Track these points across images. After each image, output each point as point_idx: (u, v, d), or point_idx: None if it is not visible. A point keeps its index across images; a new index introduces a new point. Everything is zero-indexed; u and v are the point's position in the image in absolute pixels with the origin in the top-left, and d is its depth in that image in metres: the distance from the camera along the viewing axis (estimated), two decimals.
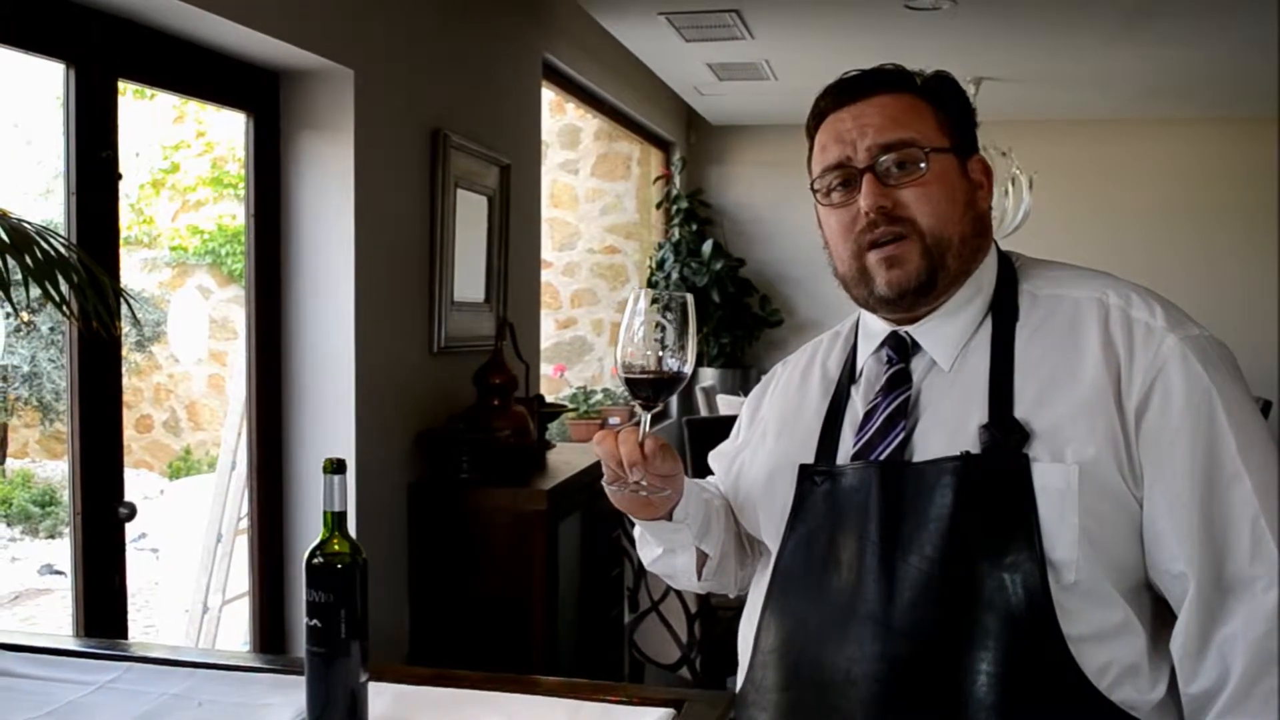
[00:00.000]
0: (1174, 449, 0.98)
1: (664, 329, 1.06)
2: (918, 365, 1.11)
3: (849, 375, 1.17)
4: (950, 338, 1.09)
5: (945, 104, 1.10)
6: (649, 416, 1.08)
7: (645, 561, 1.26)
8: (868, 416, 1.10)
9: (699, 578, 1.23)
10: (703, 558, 1.21)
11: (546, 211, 5.01)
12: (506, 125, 3.21)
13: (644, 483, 1.06)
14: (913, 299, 1.09)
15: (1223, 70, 4.65)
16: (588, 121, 5.52)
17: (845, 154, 1.08)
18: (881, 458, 1.06)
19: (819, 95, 1.14)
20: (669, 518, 1.15)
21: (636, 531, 1.24)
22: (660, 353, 1.06)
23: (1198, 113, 5.74)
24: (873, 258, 1.08)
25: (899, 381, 1.10)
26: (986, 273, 1.11)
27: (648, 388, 1.06)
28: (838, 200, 1.10)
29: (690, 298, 1.07)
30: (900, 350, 1.12)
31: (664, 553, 1.21)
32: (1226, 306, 5.45)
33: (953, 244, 1.07)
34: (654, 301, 1.06)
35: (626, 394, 1.13)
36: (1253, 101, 5.23)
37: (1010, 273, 1.12)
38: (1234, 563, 0.96)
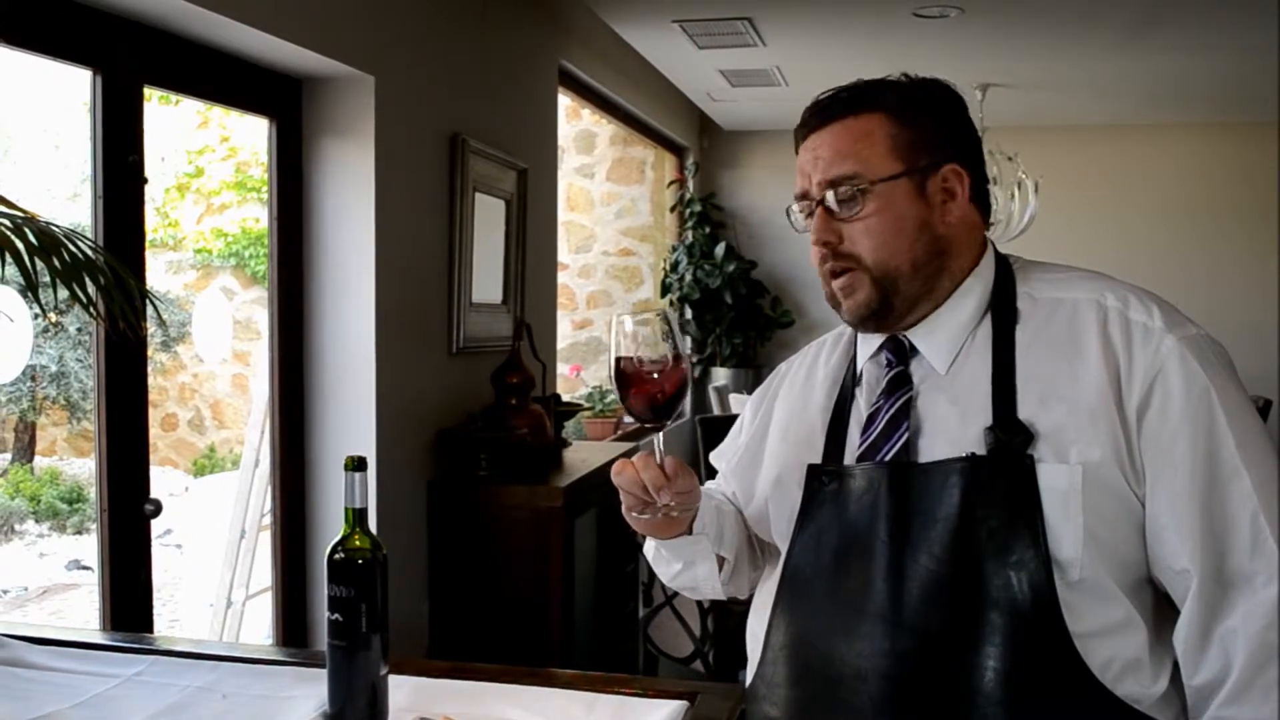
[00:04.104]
0: (1174, 447, 1.00)
1: (651, 345, 1.06)
2: (917, 368, 1.12)
3: (852, 377, 1.18)
4: (946, 342, 1.10)
5: (916, 119, 1.08)
6: (662, 437, 1.09)
7: (664, 579, 1.26)
8: (871, 419, 1.12)
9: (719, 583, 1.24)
10: (720, 562, 1.22)
11: (563, 215, 5.04)
12: (524, 130, 3.23)
13: (672, 504, 1.07)
14: (874, 323, 1.11)
15: (1224, 76, 4.64)
16: (603, 127, 5.54)
17: (804, 186, 1.11)
18: (887, 459, 1.08)
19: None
20: (688, 531, 1.17)
21: (649, 551, 1.24)
22: (655, 369, 1.05)
23: (1200, 118, 5.73)
24: (834, 285, 1.11)
25: (899, 384, 1.11)
26: (983, 275, 1.12)
27: (648, 409, 1.06)
28: (805, 228, 1.12)
29: (667, 309, 1.08)
30: (899, 353, 1.13)
31: (684, 567, 1.22)
32: (1228, 307, 5.46)
33: (901, 273, 1.08)
34: (633, 322, 1.06)
35: (633, 419, 1.12)
36: (1254, 106, 5.22)
37: (1008, 275, 1.13)
38: (1234, 558, 0.98)
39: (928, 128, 1.09)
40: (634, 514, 1.10)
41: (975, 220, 1.13)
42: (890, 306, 1.09)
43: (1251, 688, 0.96)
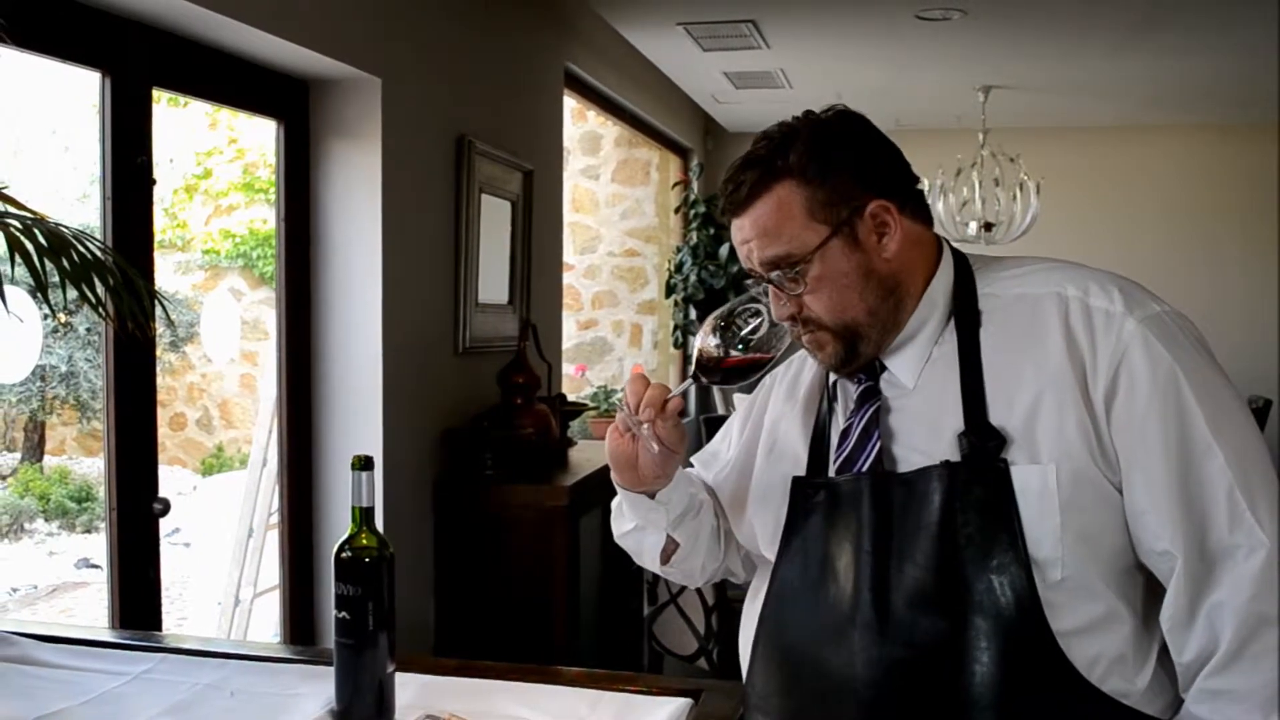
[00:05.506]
0: (1145, 431, 1.00)
1: (759, 325, 1.10)
2: (887, 381, 1.12)
3: (829, 392, 1.19)
4: (912, 358, 1.11)
5: (826, 172, 1.07)
6: (690, 386, 1.13)
7: (615, 533, 1.28)
8: (845, 434, 1.13)
9: (663, 562, 1.26)
10: (673, 545, 1.24)
11: (568, 216, 5.04)
12: (529, 132, 3.24)
13: (645, 429, 1.09)
14: (848, 369, 1.12)
15: (1224, 78, 4.65)
16: (608, 129, 5.56)
17: (748, 266, 1.12)
18: (863, 470, 1.09)
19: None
20: (651, 496, 1.19)
21: (615, 502, 1.25)
22: (738, 341, 1.10)
23: (1200, 119, 5.75)
24: (804, 342, 1.13)
25: (868, 397, 1.12)
26: (943, 278, 1.12)
27: (714, 371, 1.11)
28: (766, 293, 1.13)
29: (788, 342, 1.11)
30: (868, 370, 1.13)
31: (635, 528, 1.23)
32: (1228, 307, 5.50)
33: (860, 322, 1.09)
34: (759, 299, 1.10)
35: (698, 347, 1.14)
36: (1253, 108, 5.23)
37: (968, 276, 1.12)
38: (1215, 534, 0.98)
39: (839, 176, 1.07)
40: (618, 423, 1.13)
41: (918, 233, 1.11)
42: (858, 352, 1.10)
43: (1240, 657, 0.97)
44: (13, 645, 1.32)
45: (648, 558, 1.26)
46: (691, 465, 1.36)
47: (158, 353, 2.36)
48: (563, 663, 2.37)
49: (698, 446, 1.40)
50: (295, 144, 2.35)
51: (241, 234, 6.71)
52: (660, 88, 4.89)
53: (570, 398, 3.42)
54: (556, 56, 3.53)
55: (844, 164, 1.08)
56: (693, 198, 5.84)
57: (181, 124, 6.35)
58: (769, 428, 1.25)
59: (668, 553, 1.25)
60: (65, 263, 1.16)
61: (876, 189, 1.08)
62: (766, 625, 1.16)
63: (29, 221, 1.17)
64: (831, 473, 1.13)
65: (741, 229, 1.10)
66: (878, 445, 1.09)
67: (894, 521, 1.05)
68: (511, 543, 2.55)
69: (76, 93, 5.53)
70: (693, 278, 5.63)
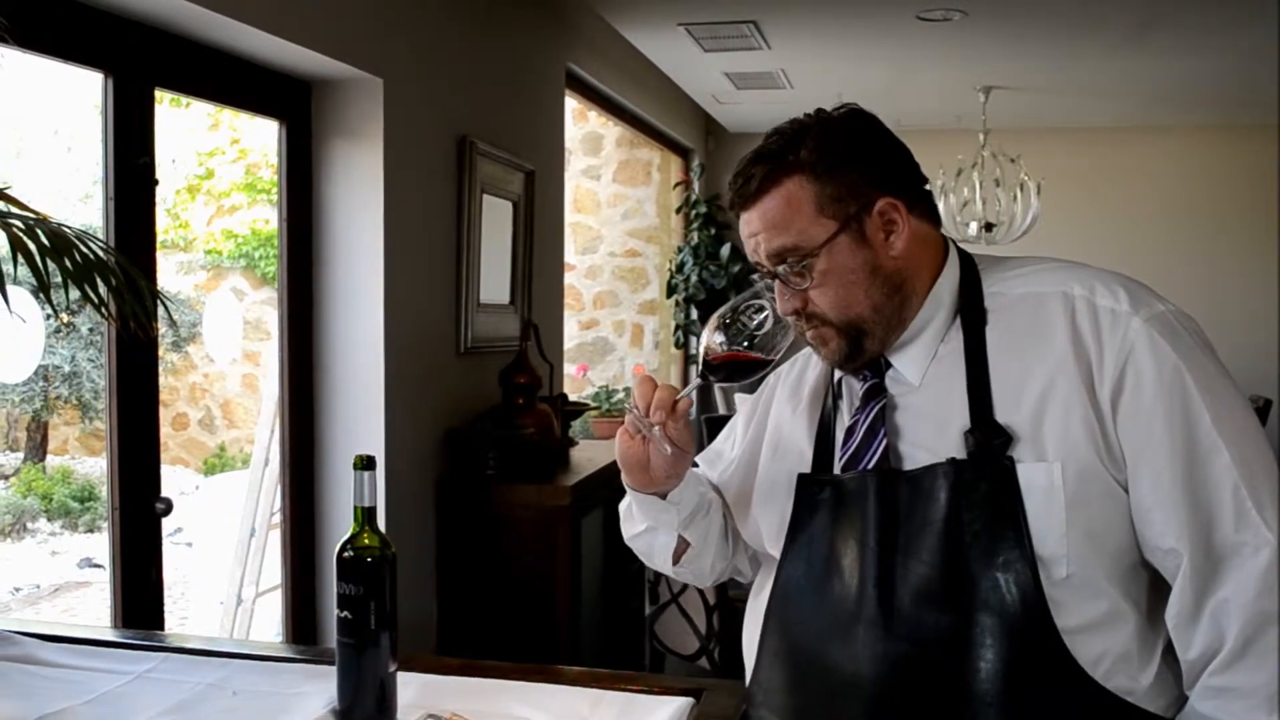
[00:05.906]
0: (1151, 429, 1.01)
1: (764, 321, 1.11)
2: (893, 379, 1.13)
3: (834, 389, 1.19)
4: (918, 356, 1.11)
5: (835, 168, 1.07)
6: (698, 385, 1.15)
7: (626, 536, 1.29)
8: (850, 431, 1.13)
9: (674, 562, 1.26)
10: (684, 545, 1.24)
11: (569, 216, 5.06)
12: (531, 133, 3.25)
13: (657, 431, 1.10)
14: (852, 365, 1.13)
15: (1224, 79, 4.66)
16: (609, 129, 5.57)
17: (754, 259, 1.12)
18: (869, 467, 1.09)
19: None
20: (662, 497, 1.19)
21: (622, 507, 1.26)
22: (742, 338, 1.10)
23: (1200, 119, 5.75)
24: (808, 338, 1.13)
25: (874, 394, 1.12)
26: (949, 277, 1.12)
27: (719, 368, 1.12)
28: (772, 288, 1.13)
29: (792, 338, 1.12)
30: (874, 367, 1.14)
31: (646, 530, 1.24)
32: (1228, 307, 5.51)
33: (865, 318, 1.09)
34: (762, 295, 1.11)
35: (703, 342, 1.15)
36: (1253, 108, 5.23)
37: (974, 275, 1.13)
38: (1221, 531, 0.99)
39: (849, 172, 1.07)
40: (627, 426, 1.14)
41: (925, 232, 1.12)
42: (862, 348, 1.11)
43: (1245, 655, 0.97)
44: (15, 644, 1.32)
45: (659, 559, 1.27)
46: (696, 465, 1.36)
47: (160, 353, 2.36)
48: (564, 662, 2.37)
49: (699, 447, 1.40)
50: (297, 144, 2.35)
51: (243, 234, 6.72)
52: (661, 88, 4.89)
53: (572, 398, 3.42)
54: (558, 57, 3.53)
55: (854, 161, 1.08)
56: (694, 198, 5.84)
57: (183, 124, 6.36)
58: (773, 425, 1.25)
59: (678, 553, 1.25)
60: (68, 263, 1.16)
61: (885, 187, 1.09)
62: (772, 622, 1.16)
63: (31, 222, 1.17)
64: (837, 470, 1.13)
65: (750, 222, 1.11)
66: (883, 442, 1.09)
67: (900, 518, 1.06)
68: (513, 542, 2.55)
69: (79, 93, 5.54)
70: (694, 278, 5.63)
